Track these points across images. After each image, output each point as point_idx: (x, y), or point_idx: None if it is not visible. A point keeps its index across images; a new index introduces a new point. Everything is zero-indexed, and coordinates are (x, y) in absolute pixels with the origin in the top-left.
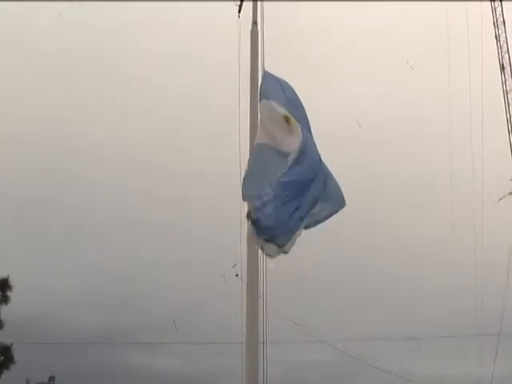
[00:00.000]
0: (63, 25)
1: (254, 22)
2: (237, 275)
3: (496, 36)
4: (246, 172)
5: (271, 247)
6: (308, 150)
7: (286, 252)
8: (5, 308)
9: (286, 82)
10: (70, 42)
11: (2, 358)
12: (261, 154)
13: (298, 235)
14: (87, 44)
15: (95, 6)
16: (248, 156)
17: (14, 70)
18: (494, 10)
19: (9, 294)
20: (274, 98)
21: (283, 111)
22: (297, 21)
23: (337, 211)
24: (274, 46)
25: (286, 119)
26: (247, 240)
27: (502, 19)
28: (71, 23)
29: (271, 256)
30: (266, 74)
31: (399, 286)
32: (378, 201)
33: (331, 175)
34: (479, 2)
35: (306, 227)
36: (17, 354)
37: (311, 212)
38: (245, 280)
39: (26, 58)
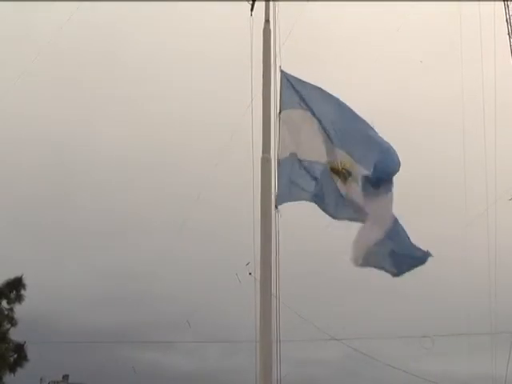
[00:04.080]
0: (74, 25)
1: (267, 21)
2: (250, 274)
3: (509, 33)
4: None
5: None
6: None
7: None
8: (19, 306)
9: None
10: (83, 43)
11: (15, 356)
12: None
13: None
14: (100, 45)
15: (107, 5)
16: (261, 154)
17: (23, 71)
18: (506, 7)
19: (23, 292)
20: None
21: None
22: (309, 19)
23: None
24: (287, 44)
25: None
26: (261, 238)
27: None
28: (82, 23)
29: None
30: (282, 76)
31: (413, 284)
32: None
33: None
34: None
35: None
36: (30, 352)
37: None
38: (258, 278)
39: (35, 58)
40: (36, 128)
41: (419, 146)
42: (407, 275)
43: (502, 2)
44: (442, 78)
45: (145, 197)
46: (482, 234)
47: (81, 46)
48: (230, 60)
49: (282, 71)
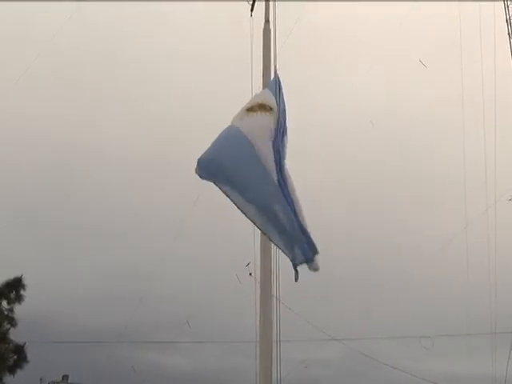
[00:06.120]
0: (74, 25)
1: (267, 21)
2: (250, 274)
3: (509, 33)
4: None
5: None
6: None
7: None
8: (18, 307)
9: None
10: (83, 43)
11: (15, 357)
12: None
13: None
14: (100, 45)
15: (107, 5)
16: None
17: (23, 71)
18: (506, 7)
19: (22, 292)
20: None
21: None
22: (309, 19)
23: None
24: (287, 43)
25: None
26: (260, 238)
27: None
28: (82, 23)
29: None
30: (274, 77)
31: (412, 284)
32: (391, 199)
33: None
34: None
35: None
36: (30, 352)
37: None
38: (258, 279)
39: (35, 58)
40: (36, 128)
41: (419, 145)
42: (408, 274)
43: (502, 2)
44: (442, 78)
45: (145, 197)
46: (482, 234)
47: (81, 46)
48: (230, 60)
49: (276, 74)
